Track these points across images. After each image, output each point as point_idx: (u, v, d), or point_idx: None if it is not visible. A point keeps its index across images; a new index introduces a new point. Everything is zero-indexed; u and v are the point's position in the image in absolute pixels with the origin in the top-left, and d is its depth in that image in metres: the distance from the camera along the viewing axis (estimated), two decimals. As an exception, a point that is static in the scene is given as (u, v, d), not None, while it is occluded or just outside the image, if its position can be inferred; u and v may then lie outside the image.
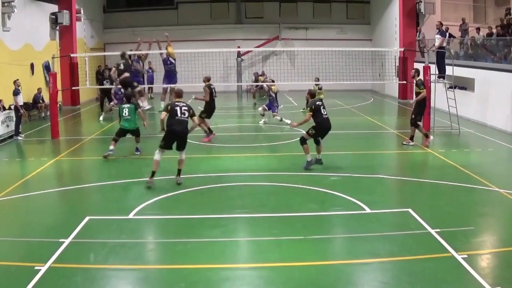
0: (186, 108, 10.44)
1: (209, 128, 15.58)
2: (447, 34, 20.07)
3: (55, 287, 6.27)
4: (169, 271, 6.79)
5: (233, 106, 25.93)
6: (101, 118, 20.54)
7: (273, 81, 20.47)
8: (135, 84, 16.24)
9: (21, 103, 16.76)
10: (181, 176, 10.68)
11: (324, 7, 33.01)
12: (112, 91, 20.80)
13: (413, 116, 14.57)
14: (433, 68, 17.10)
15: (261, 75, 26.99)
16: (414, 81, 14.99)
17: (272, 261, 6.99)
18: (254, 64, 32.46)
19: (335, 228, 8.49)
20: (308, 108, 11.99)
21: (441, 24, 19.61)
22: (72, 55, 22.44)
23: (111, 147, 13.13)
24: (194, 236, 7.89)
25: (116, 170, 12.57)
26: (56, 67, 18.64)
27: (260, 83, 22.71)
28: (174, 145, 10.55)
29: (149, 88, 21.31)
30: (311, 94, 12.28)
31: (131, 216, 8.78)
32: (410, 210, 8.74)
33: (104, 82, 23.19)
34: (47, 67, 22.38)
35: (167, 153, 10.56)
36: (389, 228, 8.15)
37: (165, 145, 10.41)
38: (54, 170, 12.72)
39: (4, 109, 16.85)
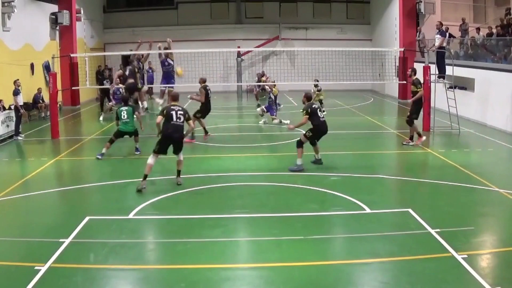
0: (182, 112, 10.35)
1: (204, 128, 15.68)
2: (447, 34, 20.07)
3: (55, 287, 6.27)
4: (169, 271, 6.79)
5: (233, 106, 25.94)
6: (101, 118, 20.55)
7: (274, 83, 20.46)
8: (139, 86, 16.39)
9: (21, 103, 16.77)
10: (181, 177, 10.66)
11: (324, 7, 33.02)
12: (111, 91, 20.82)
13: (409, 114, 14.60)
14: (433, 68, 17.11)
15: (263, 76, 26.97)
16: (411, 80, 14.99)
17: (272, 261, 6.99)
18: (254, 64, 32.48)
19: (335, 228, 8.49)
20: (304, 112, 11.97)
21: (441, 24, 19.61)
22: (72, 55, 22.45)
23: (104, 151, 13.21)
24: (194, 236, 7.89)
25: (116, 170, 12.58)
26: (56, 67, 18.64)
27: (262, 83, 22.67)
28: (171, 148, 10.52)
29: (149, 88, 21.29)
30: (308, 97, 12.23)
31: (131, 216, 8.78)
32: (410, 210, 8.74)
33: (104, 82, 23.25)
34: (47, 67, 22.38)
35: (167, 153, 10.55)
36: (389, 228, 8.15)
37: (159, 149, 10.30)
38: (54, 170, 12.72)
39: (4, 109, 16.85)
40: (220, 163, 12.88)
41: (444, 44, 19.39)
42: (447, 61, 18.60)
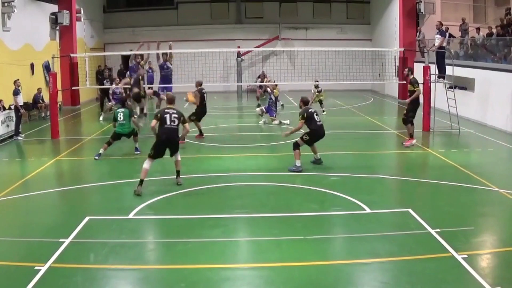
0: (176, 115, 10.24)
1: (199, 130, 15.85)
2: (447, 34, 20.07)
3: (55, 287, 6.27)
4: (169, 271, 6.79)
5: (233, 106, 25.94)
6: (101, 118, 20.56)
7: (276, 84, 20.44)
8: (142, 94, 16.45)
9: (21, 103, 16.77)
10: (181, 177, 10.65)
11: (324, 7, 33.02)
12: (110, 91, 20.81)
13: (405, 113, 14.59)
14: (433, 68, 17.11)
15: (265, 77, 26.93)
16: (408, 80, 14.97)
17: (272, 261, 6.99)
18: (254, 64, 32.49)
19: (335, 228, 8.49)
20: (300, 116, 11.96)
21: (441, 24, 19.61)
22: (72, 55, 22.44)
23: (101, 151, 13.23)
24: (194, 236, 7.89)
25: (116, 170, 12.59)
26: (56, 67, 18.64)
27: (265, 84, 22.62)
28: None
29: (148, 88, 21.24)
30: (304, 102, 12.20)
31: (131, 216, 8.78)
32: (410, 210, 8.74)
33: (104, 82, 23.23)
34: (47, 67, 22.39)
35: (167, 153, 10.55)
36: (389, 228, 8.15)
37: (155, 154, 10.20)
38: (54, 170, 12.72)
39: (4, 109, 16.86)
40: (220, 163, 12.88)
41: (444, 44, 19.39)
42: (447, 61, 18.60)
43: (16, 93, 16.54)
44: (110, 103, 20.86)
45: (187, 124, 10.73)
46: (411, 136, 14.49)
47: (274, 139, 16.17)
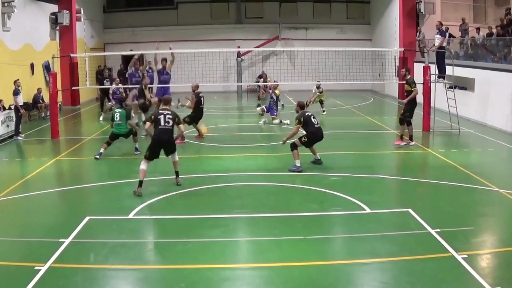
0: (171, 116, 10.24)
1: (198, 130, 15.87)
2: (447, 34, 20.08)
3: (55, 287, 6.27)
4: (169, 271, 6.79)
5: (233, 106, 25.94)
6: (101, 118, 20.56)
7: (277, 83, 20.41)
8: (148, 103, 16.48)
9: (21, 103, 16.76)
10: (180, 177, 10.63)
11: (324, 7, 33.02)
12: (110, 91, 20.81)
13: (402, 112, 14.59)
14: (433, 68, 17.11)
15: (267, 77, 26.90)
16: (405, 80, 14.95)
17: (272, 261, 6.99)
18: (254, 64, 32.49)
19: (335, 228, 8.50)
20: (297, 121, 11.96)
21: (441, 24, 19.61)
22: (72, 55, 22.43)
23: (101, 151, 13.25)
24: (194, 236, 7.89)
25: (116, 170, 12.59)
26: (56, 67, 18.64)
27: (267, 84, 22.62)
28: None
29: (148, 88, 21.25)
30: (301, 106, 12.20)
31: (131, 216, 8.78)
32: (410, 210, 8.74)
33: (104, 81, 23.22)
34: (47, 67, 22.39)
35: (159, 156, 10.52)
36: (389, 228, 8.15)
37: (150, 155, 10.18)
38: (54, 170, 12.72)
39: (4, 109, 16.86)
40: (220, 163, 12.88)
41: (444, 44, 19.39)
42: (447, 61, 18.60)
43: (16, 93, 16.54)
44: (110, 103, 20.85)
45: (181, 125, 10.63)
46: (401, 138, 14.50)
47: (274, 139, 16.14)
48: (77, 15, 25.19)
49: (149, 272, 6.76)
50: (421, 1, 25.45)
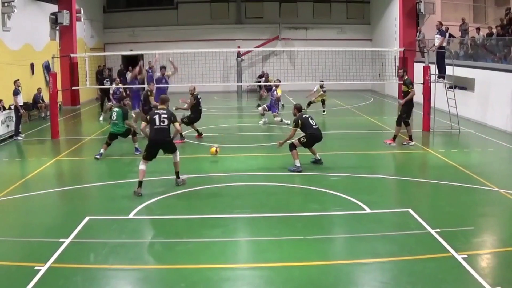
0: (166, 116, 10.14)
1: (197, 130, 15.86)
2: (447, 34, 20.07)
3: (55, 287, 6.27)
4: (169, 271, 6.79)
5: (233, 106, 25.94)
6: (101, 118, 20.56)
7: (279, 81, 20.38)
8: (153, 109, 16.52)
9: (21, 103, 16.76)
10: (180, 178, 10.55)
11: (324, 7, 33.02)
12: (111, 91, 20.81)
13: (399, 114, 14.58)
14: (433, 68, 17.11)
15: (269, 76, 26.84)
16: (402, 80, 14.92)
17: (272, 261, 6.99)
18: (254, 64, 32.49)
19: (335, 228, 8.50)
20: (294, 124, 11.96)
21: (441, 24, 19.60)
22: (72, 55, 22.42)
23: (102, 151, 13.26)
24: (194, 236, 7.89)
25: (116, 170, 12.60)
26: (56, 67, 18.64)
27: (269, 84, 22.58)
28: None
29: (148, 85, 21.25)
30: (298, 109, 12.19)
31: (131, 216, 8.78)
32: (410, 210, 8.74)
33: (104, 81, 23.22)
34: (47, 67, 22.39)
35: (164, 153, 10.54)
36: (389, 228, 8.15)
37: (147, 155, 10.14)
38: (54, 170, 12.72)
39: (4, 109, 16.86)
40: (220, 163, 12.89)
41: (444, 44, 19.38)
42: (447, 61, 18.59)
43: (16, 93, 16.54)
44: (110, 103, 20.83)
45: (177, 123, 10.50)
46: (394, 139, 14.49)
47: (274, 139, 16.09)
48: (77, 15, 25.19)
49: (149, 272, 6.76)
50: (421, 1, 25.45)
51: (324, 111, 20.94)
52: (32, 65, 21.35)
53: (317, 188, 10.34)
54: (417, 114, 17.67)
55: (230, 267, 6.89)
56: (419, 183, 11.10)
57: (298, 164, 11.69)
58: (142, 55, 19.55)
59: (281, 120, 18.09)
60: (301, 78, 23.54)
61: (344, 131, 17.38)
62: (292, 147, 11.82)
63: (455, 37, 22.66)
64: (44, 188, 10.72)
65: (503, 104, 16.75)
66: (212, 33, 31.42)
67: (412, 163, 13.27)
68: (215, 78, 24.84)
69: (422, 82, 16.82)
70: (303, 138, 11.89)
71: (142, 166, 10.06)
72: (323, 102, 21.15)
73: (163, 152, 10.40)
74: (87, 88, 22.46)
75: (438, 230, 7.75)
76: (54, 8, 23.85)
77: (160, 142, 10.17)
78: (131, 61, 29.41)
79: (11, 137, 16.33)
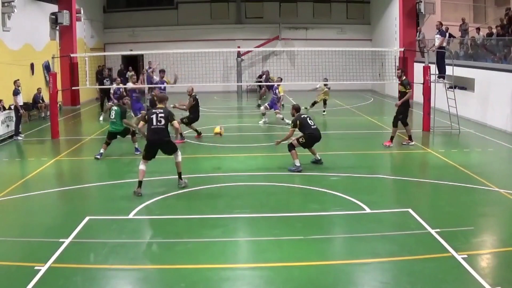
0: (163, 115, 10.00)
1: (196, 130, 15.93)
2: (447, 34, 20.07)
3: (55, 287, 6.27)
4: (169, 271, 6.79)
5: (233, 106, 25.93)
6: (101, 118, 20.56)
7: (280, 79, 20.36)
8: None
9: (21, 103, 16.76)
10: (182, 180, 10.39)
11: (324, 7, 33.01)
12: (111, 91, 20.80)
13: (395, 115, 14.55)
14: (433, 68, 17.11)
15: (269, 74, 26.79)
16: (400, 81, 14.83)
17: (272, 261, 6.99)
18: (254, 64, 32.48)
19: (335, 228, 8.50)
20: (292, 124, 11.96)
21: (441, 24, 19.61)
22: (72, 55, 22.42)
23: (101, 151, 13.26)
24: (194, 236, 7.89)
25: (116, 170, 12.60)
26: (56, 67, 18.64)
27: (271, 83, 22.59)
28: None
29: (149, 88, 21.24)
30: (296, 109, 12.19)
31: (131, 216, 8.79)
32: (410, 210, 8.74)
33: (104, 81, 23.22)
34: (47, 67, 22.39)
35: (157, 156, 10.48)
36: (389, 228, 8.15)
37: (146, 155, 10.08)
38: (54, 170, 12.72)
39: (4, 109, 16.86)
40: (220, 163, 12.88)
41: (444, 44, 19.39)
42: (447, 61, 18.60)
43: (16, 93, 16.54)
44: (110, 103, 20.83)
45: (175, 122, 10.32)
46: (391, 140, 14.46)
47: (274, 139, 16.14)
48: (77, 15, 25.18)
49: (149, 272, 6.76)
50: (421, 1, 25.45)
51: (324, 111, 20.95)
52: (32, 65, 21.35)
53: (317, 188, 10.34)
54: (417, 114, 17.68)
55: (230, 267, 6.89)
56: (419, 183, 11.10)
57: (298, 163, 11.69)
58: (142, 55, 19.54)
59: (283, 119, 18.08)
60: (301, 78, 23.52)
61: (344, 131, 17.38)
62: (291, 147, 11.82)
63: (455, 37, 22.66)
64: (44, 188, 10.72)
65: (503, 104, 16.75)
66: (212, 33, 31.42)
67: (412, 163, 13.27)
68: (215, 78, 24.82)
69: (422, 82, 16.82)
70: (302, 139, 11.88)
71: (142, 166, 10.03)
72: (324, 102, 21.17)
73: (163, 152, 10.33)
74: (87, 88, 22.45)
75: (438, 230, 7.75)
76: (54, 8, 23.85)
77: (158, 143, 10.07)
78: (131, 61, 29.51)
79: (11, 137, 16.33)
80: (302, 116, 12.02)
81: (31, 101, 20.43)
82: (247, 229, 8.40)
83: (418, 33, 25.98)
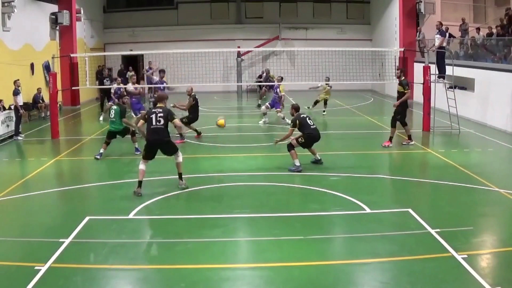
0: (162, 115, 9.84)
1: (195, 130, 15.90)
2: (447, 34, 20.08)
3: (55, 287, 6.27)
4: (169, 271, 6.78)
5: (233, 106, 25.93)
6: (101, 118, 20.55)
7: (281, 77, 20.36)
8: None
9: (21, 103, 16.76)
10: (183, 180, 10.25)
11: (324, 7, 33.01)
12: (112, 90, 20.80)
13: (393, 115, 14.54)
14: (433, 68, 17.11)
15: (269, 72, 26.76)
16: (399, 81, 14.80)
17: (272, 261, 6.99)
18: (254, 64, 32.48)
19: (335, 228, 8.50)
20: (292, 124, 11.96)
21: (441, 24, 19.61)
22: (72, 55, 22.42)
23: (101, 150, 13.26)
24: (194, 236, 7.89)
25: (116, 170, 12.60)
26: (56, 67, 18.63)
27: (271, 83, 22.59)
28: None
29: (149, 88, 21.28)
30: (295, 108, 12.19)
31: (131, 216, 8.78)
32: (410, 210, 8.74)
33: (104, 81, 23.22)
34: (47, 67, 22.38)
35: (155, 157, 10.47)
36: (389, 228, 8.15)
37: (146, 155, 10.03)
38: (54, 170, 12.72)
39: (4, 109, 16.86)
40: (220, 163, 12.88)
41: (444, 44, 19.39)
42: (447, 61, 18.60)
43: (16, 93, 16.54)
44: (110, 103, 20.83)
45: (176, 120, 10.21)
46: (390, 140, 14.45)
47: (274, 138, 16.15)
48: (77, 15, 25.18)
49: (149, 272, 6.76)
50: (421, 1, 25.45)
51: (324, 111, 20.95)
52: (32, 65, 21.35)
53: (317, 188, 10.34)
54: (417, 114, 17.68)
55: (230, 267, 6.89)
56: (419, 183, 11.10)
57: (297, 163, 11.69)
58: (142, 55, 19.54)
59: (284, 118, 18.08)
60: (301, 78, 23.53)
61: (344, 131, 17.38)
62: (290, 147, 11.82)
63: (455, 37, 22.66)
64: (44, 188, 10.72)
65: (503, 104, 16.75)
66: (212, 33, 31.41)
67: (412, 163, 13.27)
68: (215, 78, 24.83)
69: (422, 82, 16.82)
70: (301, 139, 11.87)
71: (142, 166, 10.00)
72: (325, 102, 21.17)
73: (163, 153, 10.26)
74: (87, 88, 22.45)
75: (438, 230, 7.75)
76: (54, 8, 23.85)
77: (157, 143, 9.96)
78: (131, 61, 29.50)
79: (11, 137, 16.33)
80: (302, 115, 12.02)
81: (31, 101, 20.42)
82: (247, 229, 8.40)
83: (418, 33, 25.98)
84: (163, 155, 10.47)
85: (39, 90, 20.86)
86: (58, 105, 17.74)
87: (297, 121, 11.84)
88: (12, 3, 18.67)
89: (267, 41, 31.77)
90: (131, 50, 28.17)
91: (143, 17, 32.15)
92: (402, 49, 22.58)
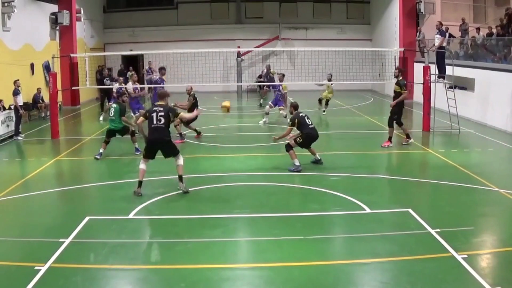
0: (163, 113, 9.67)
1: (195, 130, 15.89)
2: (447, 34, 20.07)
3: (55, 287, 6.27)
4: (169, 271, 6.79)
5: (233, 106, 25.86)
6: (101, 118, 20.54)
7: (283, 74, 20.34)
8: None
9: (21, 103, 16.76)
10: (183, 183, 10.02)
11: (324, 7, 33.00)
12: (114, 89, 20.78)
13: (390, 115, 14.51)
14: (433, 68, 17.10)
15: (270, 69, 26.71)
16: (397, 80, 14.69)
17: (272, 261, 6.99)
18: (254, 64, 32.47)
19: (335, 228, 8.50)
20: (290, 122, 11.97)
21: (441, 24, 19.61)
22: (72, 55, 22.42)
23: (101, 150, 13.25)
24: (194, 236, 7.89)
25: (116, 170, 12.60)
26: (56, 67, 18.63)
27: (272, 83, 22.55)
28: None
29: (149, 88, 21.26)
30: (294, 107, 12.20)
31: (131, 216, 8.79)
32: (410, 210, 8.74)
33: (104, 80, 23.21)
34: (47, 67, 22.38)
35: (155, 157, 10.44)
36: (389, 228, 8.15)
37: (146, 154, 9.95)
38: (54, 170, 12.72)
39: (4, 109, 16.86)
40: (220, 163, 12.88)
41: (444, 44, 19.39)
42: (447, 61, 18.60)
43: (16, 93, 16.54)
44: (110, 103, 20.83)
45: (181, 113, 10.13)
46: (390, 140, 14.42)
47: (273, 136, 16.15)
48: (77, 15, 25.17)
49: (149, 272, 6.76)
50: (421, 1, 25.45)
51: (324, 111, 20.95)
52: (32, 65, 21.35)
53: (317, 188, 10.34)
54: (417, 114, 17.68)
55: (230, 267, 6.89)
56: (419, 183, 11.10)
57: (297, 163, 11.68)
58: (142, 55, 19.52)
59: (285, 116, 18.07)
60: (301, 78, 23.53)
61: (344, 131, 17.37)
62: (289, 147, 11.82)
63: (455, 37, 22.66)
64: (44, 188, 10.73)
65: (503, 104, 16.75)
66: (212, 33, 31.41)
67: (412, 163, 13.27)
68: (215, 78, 24.82)
69: (422, 82, 16.82)
70: (299, 139, 11.87)
71: (142, 166, 9.97)
72: (326, 102, 21.17)
73: (162, 154, 10.13)
74: (87, 88, 22.44)
75: (438, 230, 7.75)
76: (54, 8, 23.85)
77: (158, 142, 9.85)
78: (131, 61, 29.49)
79: (11, 137, 16.33)
80: (301, 114, 12.02)
81: (31, 101, 20.42)
82: (247, 229, 8.40)
83: (418, 33, 25.98)
84: (162, 156, 10.45)
85: (39, 90, 20.86)
86: (58, 105, 17.74)
87: (296, 120, 11.84)
88: (12, 3, 18.66)
89: (267, 41, 31.76)
90: (131, 50, 28.16)
91: (143, 17, 32.14)
92: (402, 49, 22.56)
